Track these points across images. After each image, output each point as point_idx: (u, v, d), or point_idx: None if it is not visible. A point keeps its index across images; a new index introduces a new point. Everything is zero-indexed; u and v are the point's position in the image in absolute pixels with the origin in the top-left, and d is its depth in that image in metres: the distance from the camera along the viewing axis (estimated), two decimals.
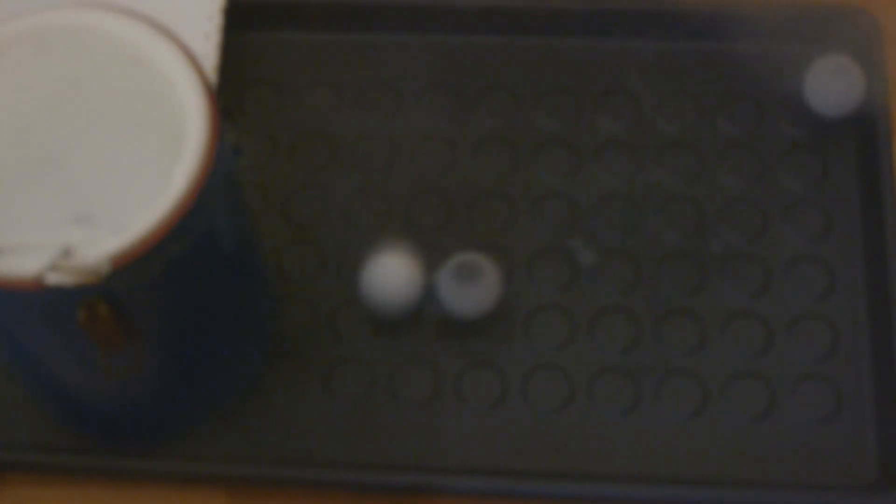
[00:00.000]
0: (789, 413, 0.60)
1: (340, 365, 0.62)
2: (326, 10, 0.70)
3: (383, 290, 0.61)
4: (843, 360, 0.61)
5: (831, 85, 0.65)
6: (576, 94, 0.68)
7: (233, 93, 0.68)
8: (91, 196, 0.48)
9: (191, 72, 0.50)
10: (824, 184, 0.65)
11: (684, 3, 0.69)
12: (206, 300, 0.55)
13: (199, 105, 0.49)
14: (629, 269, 0.63)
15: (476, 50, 0.69)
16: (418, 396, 0.61)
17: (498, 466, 0.59)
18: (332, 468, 0.59)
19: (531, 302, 0.63)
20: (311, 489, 0.59)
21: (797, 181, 0.65)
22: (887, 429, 0.59)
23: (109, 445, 0.60)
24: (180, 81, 0.50)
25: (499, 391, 0.61)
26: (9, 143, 0.49)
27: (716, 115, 0.67)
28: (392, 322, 0.62)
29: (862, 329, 0.62)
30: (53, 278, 0.46)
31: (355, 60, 0.70)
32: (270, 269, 0.64)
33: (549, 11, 0.69)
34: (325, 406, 0.61)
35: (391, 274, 0.61)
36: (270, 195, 0.66)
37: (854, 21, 0.67)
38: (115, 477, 0.60)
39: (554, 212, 0.65)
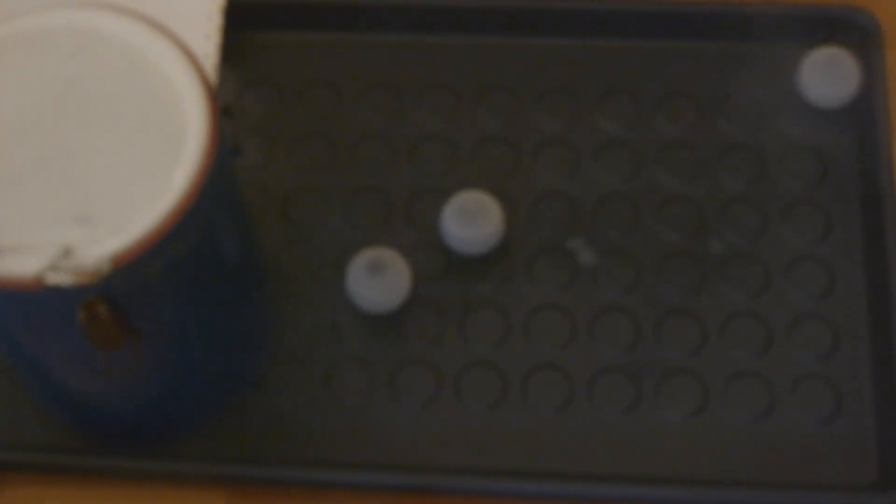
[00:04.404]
0: (789, 413, 0.60)
1: (340, 365, 0.62)
2: (326, 10, 0.70)
3: (368, 289, 0.61)
4: (843, 360, 0.61)
5: (827, 76, 0.65)
6: (576, 94, 0.68)
7: (233, 93, 0.68)
8: (91, 196, 0.48)
9: (191, 72, 0.50)
10: (824, 184, 0.65)
11: (684, 3, 0.69)
12: (206, 300, 0.55)
13: (199, 105, 0.49)
14: (629, 269, 0.63)
15: (476, 50, 0.69)
16: (418, 396, 0.61)
17: (498, 466, 0.59)
18: (332, 468, 0.59)
19: (531, 302, 0.63)
20: (311, 489, 0.59)
21: (797, 181, 0.65)
22: (887, 429, 0.59)
23: (109, 445, 0.60)
24: (180, 81, 0.50)
25: (499, 391, 0.61)
26: (8, 142, 0.49)
27: (716, 115, 0.67)
28: (379, 316, 0.62)
29: (862, 329, 0.62)
30: (53, 278, 0.46)
31: (355, 60, 0.70)
32: (270, 269, 0.64)
33: (549, 11, 0.69)
34: (325, 406, 0.61)
35: (374, 270, 0.61)
36: (270, 195, 0.66)
37: (854, 21, 0.67)
38: (115, 477, 0.60)
39: (554, 212, 0.65)
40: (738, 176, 0.65)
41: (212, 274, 0.54)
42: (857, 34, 0.67)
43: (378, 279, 0.61)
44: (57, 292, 0.47)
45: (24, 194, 0.48)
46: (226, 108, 0.67)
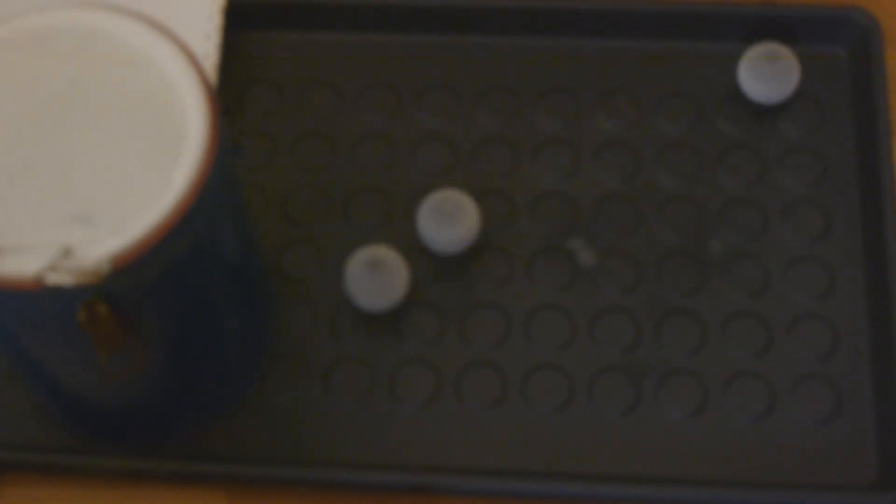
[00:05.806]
0: (789, 413, 0.60)
1: (340, 365, 0.62)
2: (326, 10, 0.70)
3: (365, 286, 0.61)
4: (843, 360, 0.61)
5: (767, 72, 0.65)
6: (576, 94, 0.68)
7: (233, 93, 0.68)
8: (91, 196, 0.48)
9: (191, 72, 0.50)
10: (824, 184, 0.65)
11: (685, 3, 0.69)
12: (206, 300, 0.55)
13: (199, 105, 0.49)
14: (629, 269, 0.63)
15: (476, 50, 0.69)
16: (418, 396, 0.61)
17: (498, 466, 0.59)
18: (332, 468, 0.59)
19: (531, 302, 0.63)
20: (311, 489, 0.59)
21: (797, 181, 0.65)
22: (887, 429, 0.59)
23: (109, 445, 0.60)
24: (180, 81, 0.50)
25: (499, 391, 0.61)
26: (9, 142, 0.49)
27: (715, 115, 0.67)
28: (377, 314, 0.62)
29: (862, 329, 0.62)
30: (53, 278, 0.46)
31: (355, 60, 0.70)
32: (270, 269, 0.64)
33: (549, 11, 0.69)
34: (325, 406, 0.61)
35: (372, 267, 0.61)
36: (270, 195, 0.66)
37: (854, 21, 0.67)
38: (115, 477, 0.60)
39: (554, 212, 0.65)
40: (738, 176, 0.65)
41: (212, 274, 0.54)
42: (857, 35, 0.67)
43: (375, 276, 0.61)
44: (57, 292, 0.47)
45: (24, 194, 0.48)
46: (226, 108, 0.67)
